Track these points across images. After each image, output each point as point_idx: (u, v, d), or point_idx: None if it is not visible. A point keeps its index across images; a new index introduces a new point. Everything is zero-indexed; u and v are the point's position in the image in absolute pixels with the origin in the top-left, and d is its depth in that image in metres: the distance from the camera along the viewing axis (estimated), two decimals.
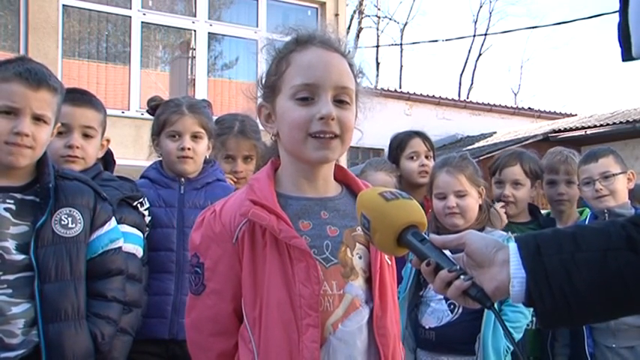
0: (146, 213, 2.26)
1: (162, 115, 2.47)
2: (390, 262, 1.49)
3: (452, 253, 1.17)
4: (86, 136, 2.21)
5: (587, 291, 1.05)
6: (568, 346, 2.76)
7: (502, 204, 2.89)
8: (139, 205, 2.21)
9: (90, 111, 2.23)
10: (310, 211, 1.43)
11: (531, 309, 2.32)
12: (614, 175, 2.78)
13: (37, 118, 1.80)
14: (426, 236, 1.18)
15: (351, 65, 1.46)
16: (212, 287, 1.41)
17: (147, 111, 2.60)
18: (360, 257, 1.43)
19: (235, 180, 2.74)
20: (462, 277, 1.11)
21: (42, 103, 1.81)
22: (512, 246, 1.10)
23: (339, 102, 1.39)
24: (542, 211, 3.29)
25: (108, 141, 2.36)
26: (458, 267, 1.13)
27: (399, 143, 3.23)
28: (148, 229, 2.30)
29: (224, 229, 1.40)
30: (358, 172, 2.95)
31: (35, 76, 1.79)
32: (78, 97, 2.23)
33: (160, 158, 2.54)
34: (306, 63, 1.40)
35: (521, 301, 1.08)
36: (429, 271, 1.14)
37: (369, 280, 1.44)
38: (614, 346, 2.59)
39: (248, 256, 1.37)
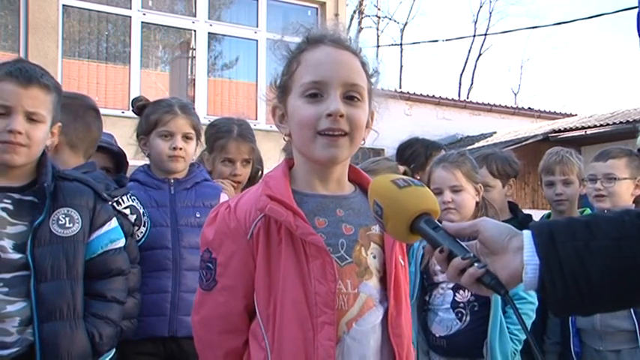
0: (128, 211, 2.23)
1: (154, 114, 2.47)
2: (403, 263, 1.48)
3: (464, 240, 1.16)
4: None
5: (600, 279, 1.04)
6: (559, 344, 2.77)
7: None
8: (115, 204, 2.16)
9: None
10: (326, 208, 1.41)
11: (534, 307, 2.34)
12: (617, 178, 2.78)
13: (31, 117, 1.80)
14: (439, 224, 1.17)
15: (364, 64, 1.45)
16: (224, 283, 1.40)
17: (132, 111, 2.60)
18: (374, 257, 1.42)
19: (234, 185, 2.75)
20: (475, 264, 1.10)
21: (34, 100, 1.80)
22: (527, 233, 1.10)
23: (349, 99, 1.38)
24: (544, 212, 3.29)
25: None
26: (472, 254, 1.11)
27: (431, 149, 3.33)
28: (138, 227, 2.28)
29: (239, 224, 1.38)
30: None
31: (25, 74, 1.79)
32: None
33: (147, 160, 2.55)
34: (316, 61, 1.39)
35: (534, 288, 1.07)
36: (442, 258, 1.13)
37: (382, 280, 1.43)
38: (601, 348, 2.60)
39: (263, 252, 1.36)
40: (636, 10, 1.14)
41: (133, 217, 2.25)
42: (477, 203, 2.50)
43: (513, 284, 1.11)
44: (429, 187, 2.62)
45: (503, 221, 2.90)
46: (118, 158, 2.58)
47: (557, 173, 3.07)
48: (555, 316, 2.62)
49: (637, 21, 1.12)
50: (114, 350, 2.09)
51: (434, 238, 1.15)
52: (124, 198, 2.24)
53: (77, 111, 2.30)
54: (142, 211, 2.31)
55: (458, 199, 2.46)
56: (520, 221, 3.00)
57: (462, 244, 1.14)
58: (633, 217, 1.07)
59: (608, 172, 2.80)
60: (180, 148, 2.43)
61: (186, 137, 2.46)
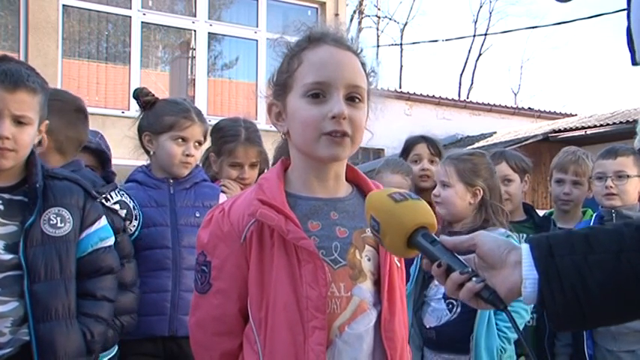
0: (117, 207, 2.22)
1: (169, 116, 2.45)
2: (399, 265, 1.48)
3: (462, 254, 1.15)
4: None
5: (599, 293, 1.03)
6: (570, 346, 2.74)
7: None
8: (103, 201, 2.15)
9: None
10: (320, 211, 1.41)
11: (529, 308, 2.34)
12: (628, 176, 2.74)
13: (18, 120, 1.79)
14: (437, 238, 1.16)
15: (363, 64, 1.44)
16: (218, 286, 1.40)
17: (138, 103, 2.54)
18: (368, 259, 1.42)
19: (242, 187, 2.75)
20: (474, 279, 1.09)
21: (20, 104, 1.79)
22: (525, 247, 1.09)
23: (350, 100, 1.37)
24: (545, 211, 3.28)
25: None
26: (470, 269, 1.11)
27: (407, 147, 3.34)
28: (129, 222, 2.27)
29: (232, 228, 1.38)
30: (366, 171, 2.97)
31: (11, 77, 1.77)
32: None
33: (148, 160, 2.54)
34: (318, 61, 1.38)
35: (533, 302, 1.07)
36: (440, 272, 1.12)
37: (377, 283, 1.42)
38: (614, 349, 2.57)
39: (255, 256, 1.36)
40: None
41: (123, 212, 2.25)
42: (475, 205, 2.48)
43: (512, 298, 1.10)
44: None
45: (517, 222, 2.93)
46: (100, 153, 2.54)
47: (570, 173, 3.04)
48: (556, 331, 2.61)
49: (626, 36, 1.12)
50: (116, 349, 2.09)
51: (431, 253, 1.14)
52: (112, 194, 2.23)
53: (70, 117, 2.27)
54: (131, 205, 2.30)
55: (444, 194, 2.49)
56: (536, 223, 2.99)
57: (460, 258, 1.13)
58: (632, 229, 1.06)
59: (619, 169, 2.75)
60: (193, 156, 2.45)
61: (197, 143, 2.48)
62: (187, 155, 2.44)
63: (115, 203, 2.22)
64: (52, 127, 2.15)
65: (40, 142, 2.14)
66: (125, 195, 2.29)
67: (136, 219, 2.31)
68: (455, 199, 2.47)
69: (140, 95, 2.53)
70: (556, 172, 3.10)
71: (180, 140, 2.44)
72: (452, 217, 2.49)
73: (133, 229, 2.31)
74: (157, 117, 2.47)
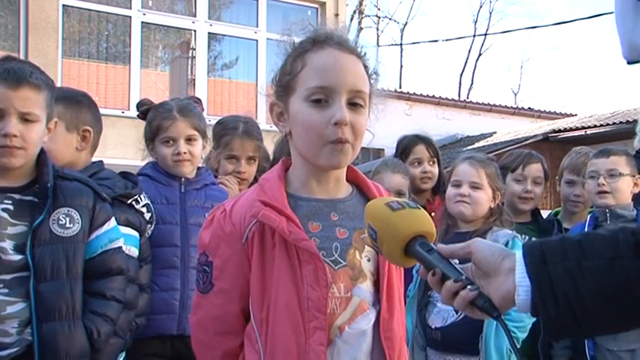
0: (144, 210, 2.25)
1: (154, 121, 2.48)
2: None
3: (461, 262, 1.15)
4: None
5: (593, 300, 1.00)
6: (569, 348, 2.73)
7: None
8: (134, 203, 2.20)
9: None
10: (320, 212, 1.41)
11: None
12: (620, 174, 2.77)
13: (25, 118, 1.79)
14: (434, 246, 1.15)
15: (366, 67, 1.43)
16: (220, 286, 1.41)
17: (137, 115, 2.60)
18: (368, 260, 1.42)
19: (240, 181, 2.75)
20: (468, 287, 1.09)
21: (25, 101, 1.79)
22: (518, 254, 1.07)
23: (352, 105, 1.37)
24: (550, 211, 3.28)
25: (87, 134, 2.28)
26: (464, 277, 1.10)
27: (404, 149, 3.32)
28: (150, 225, 2.30)
29: (234, 228, 1.39)
30: (366, 171, 2.96)
31: (14, 75, 1.77)
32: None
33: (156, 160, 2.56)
34: (322, 64, 1.37)
35: (527, 310, 1.05)
36: (436, 281, 1.12)
37: (376, 283, 1.43)
38: (615, 349, 2.57)
39: (257, 256, 1.37)
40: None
41: (148, 216, 2.27)
42: (492, 209, 2.52)
43: (507, 306, 1.09)
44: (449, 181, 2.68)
45: (521, 224, 2.93)
46: None
47: (583, 175, 3.02)
48: (552, 340, 2.60)
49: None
50: (124, 354, 2.09)
51: (428, 261, 1.13)
52: (142, 197, 2.26)
53: (96, 113, 2.32)
54: (152, 208, 2.33)
55: (475, 195, 2.51)
56: (540, 226, 3.00)
57: (457, 266, 1.13)
58: (628, 234, 1.04)
59: (612, 167, 2.78)
60: (185, 152, 2.44)
61: (189, 139, 2.46)
62: (177, 154, 2.43)
63: (143, 206, 2.25)
64: (91, 124, 2.23)
65: (83, 138, 2.21)
66: (148, 197, 2.31)
67: (154, 222, 2.33)
68: (485, 201, 2.52)
69: (138, 107, 2.58)
70: (567, 173, 3.11)
71: (168, 141, 2.45)
72: (474, 218, 2.52)
73: (150, 232, 2.32)
74: (149, 124, 2.51)
